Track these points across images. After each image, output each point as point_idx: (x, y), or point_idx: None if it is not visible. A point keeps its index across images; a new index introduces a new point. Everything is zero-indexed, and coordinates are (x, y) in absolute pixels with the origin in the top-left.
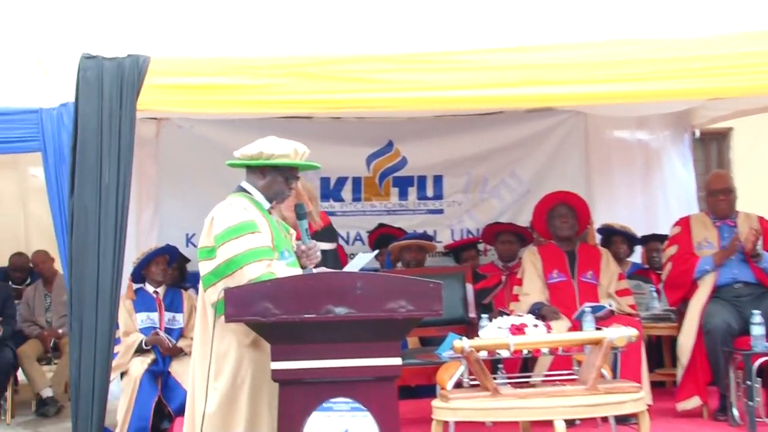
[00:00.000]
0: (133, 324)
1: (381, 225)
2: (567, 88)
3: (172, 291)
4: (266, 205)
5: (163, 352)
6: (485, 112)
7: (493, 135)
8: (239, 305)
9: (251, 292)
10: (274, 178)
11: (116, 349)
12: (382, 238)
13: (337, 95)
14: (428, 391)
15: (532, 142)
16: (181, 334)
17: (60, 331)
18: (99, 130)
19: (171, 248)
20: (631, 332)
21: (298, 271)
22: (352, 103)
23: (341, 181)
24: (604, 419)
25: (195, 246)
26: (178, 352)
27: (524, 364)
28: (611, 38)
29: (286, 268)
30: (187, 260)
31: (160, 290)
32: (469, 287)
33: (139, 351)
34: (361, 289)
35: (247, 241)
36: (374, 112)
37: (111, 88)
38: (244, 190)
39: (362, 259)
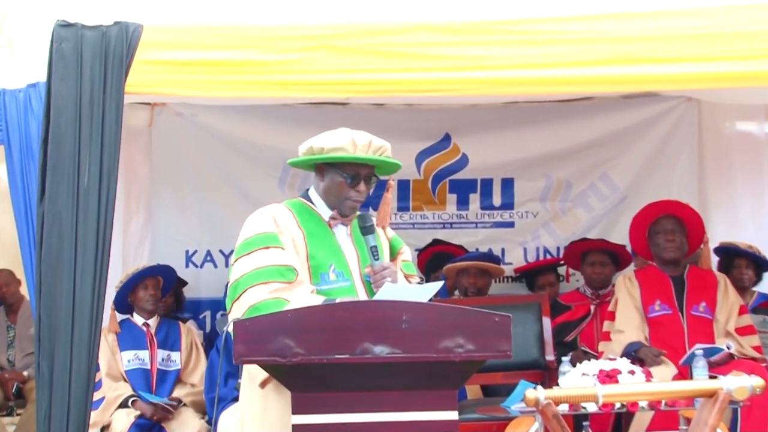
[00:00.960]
0: (117, 365)
1: (434, 242)
2: (675, 66)
3: (167, 323)
4: (326, 213)
5: (156, 420)
6: (569, 98)
7: (579, 127)
8: (252, 342)
9: (267, 326)
10: (333, 179)
11: (96, 396)
12: (435, 258)
13: (379, 75)
14: None
15: (629, 136)
16: (177, 378)
17: (25, 373)
18: (77, 117)
19: (165, 269)
20: (756, 382)
21: (320, 300)
22: (398, 85)
23: (383, 185)
24: None
25: (196, 266)
26: (169, 414)
27: (617, 421)
28: (734, 1)
29: (308, 295)
30: (185, 284)
31: (152, 322)
32: (547, 322)
33: (125, 405)
34: (408, 323)
35: (256, 258)
36: (427, 96)
37: (92, 65)
38: (307, 195)
39: (426, 291)
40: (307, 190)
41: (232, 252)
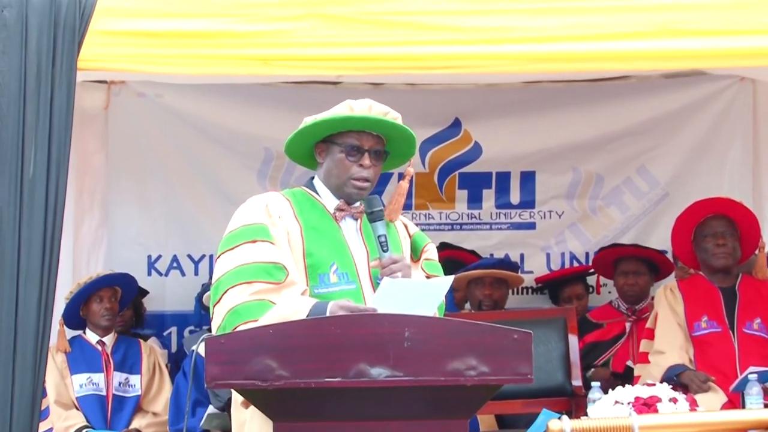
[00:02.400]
0: (67, 391)
1: (442, 246)
2: (727, 40)
3: (126, 341)
4: (332, 204)
5: None
6: (601, 77)
7: (613, 112)
8: (227, 362)
9: (245, 344)
10: (332, 158)
11: (42, 427)
12: (444, 263)
13: (377, 48)
14: None
15: (671, 122)
16: (137, 405)
17: None
18: (21, 98)
19: (124, 277)
20: None
21: (311, 304)
22: (399, 61)
23: (382, 180)
24: None
25: (160, 274)
26: None
27: None
28: None
29: (298, 298)
30: (146, 294)
31: (108, 340)
32: (574, 341)
33: None
34: (411, 340)
35: (241, 254)
36: (433, 74)
37: (39, 36)
38: (311, 184)
39: (436, 288)
40: (311, 178)
41: (202, 258)
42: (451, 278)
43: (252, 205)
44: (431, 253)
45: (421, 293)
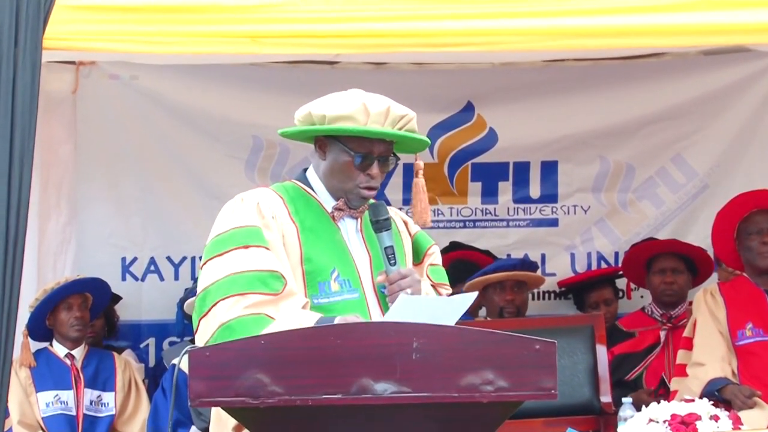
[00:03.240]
0: (32, 410)
1: (452, 246)
2: None
3: (98, 355)
4: (329, 202)
5: None
6: (631, 55)
7: (645, 94)
8: (213, 377)
9: (234, 356)
10: (337, 159)
11: None
12: (455, 266)
13: (380, 24)
14: None
15: (711, 105)
16: (111, 426)
17: None
18: None
19: (95, 283)
20: None
21: (315, 318)
22: (404, 38)
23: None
24: None
25: (136, 279)
26: None
27: None
28: None
29: (299, 312)
30: (119, 300)
31: (77, 353)
32: (602, 352)
33: None
34: (420, 352)
35: (232, 261)
36: (442, 53)
37: (0, 11)
38: (305, 178)
39: (456, 305)
40: (304, 170)
41: (183, 260)
42: (473, 296)
43: (241, 204)
44: (436, 257)
45: (438, 311)
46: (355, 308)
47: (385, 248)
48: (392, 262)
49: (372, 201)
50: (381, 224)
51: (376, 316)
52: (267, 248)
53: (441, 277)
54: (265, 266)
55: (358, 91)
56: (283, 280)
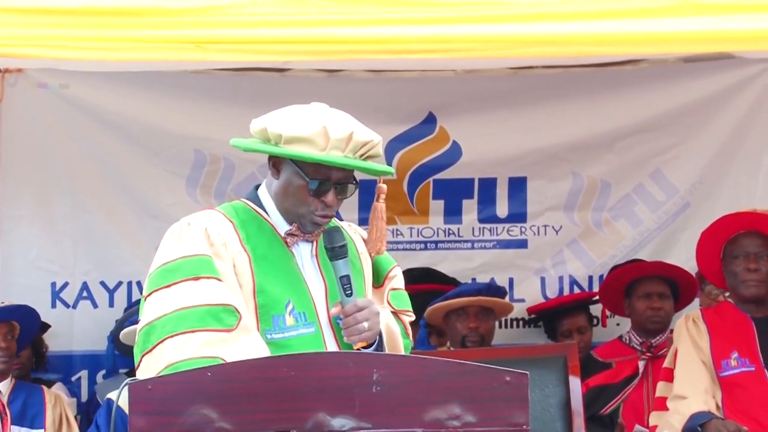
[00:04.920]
0: None
1: (421, 274)
2: (758, 19)
3: (25, 388)
4: (283, 227)
5: None
6: (605, 62)
7: (621, 104)
8: (155, 413)
9: (178, 390)
10: (291, 181)
11: None
12: (417, 293)
13: (333, 29)
14: None
15: (693, 117)
16: None
17: None
18: None
19: (22, 310)
20: None
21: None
22: (361, 44)
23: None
24: None
25: (67, 305)
26: None
27: None
28: None
29: (256, 352)
30: (47, 329)
31: (3, 387)
32: (576, 384)
33: None
34: (381, 385)
35: (181, 294)
36: (402, 60)
37: None
38: (256, 197)
39: None
40: (256, 188)
41: (118, 286)
42: None
43: (188, 230)
44: (398, 280)
45: None
46: (311, 344)
47: (341, 278)
48: (348, 292)
49: (331, 227)
50: (336, 252)
51: (333, 351)
52: (219, 279)
53: (403, 302)
54: (217, 299)
55: (321, 108)
56: (238, 315)
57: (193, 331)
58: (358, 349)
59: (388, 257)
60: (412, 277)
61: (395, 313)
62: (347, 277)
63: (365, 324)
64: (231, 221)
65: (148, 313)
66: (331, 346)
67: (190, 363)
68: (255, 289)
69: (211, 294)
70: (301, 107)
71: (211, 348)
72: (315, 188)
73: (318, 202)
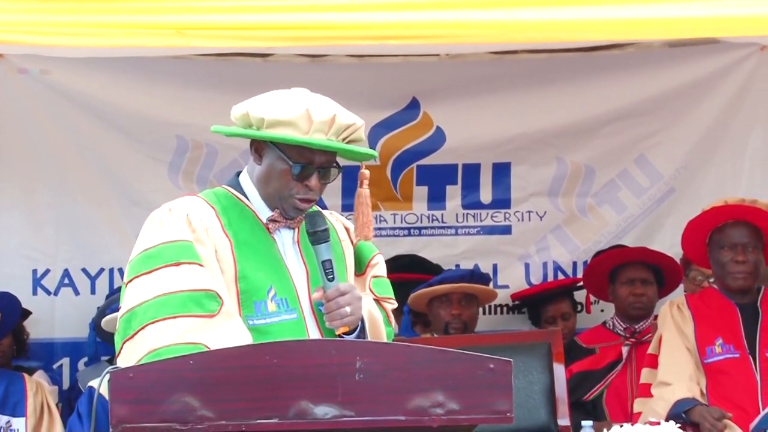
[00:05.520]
0: None
1: (399, 257)
2: (744, 6)
3: (6, 376)
4: (265, 213)
5: None
6: (590, 47)
7: (606, 89)
8: (137, 401)
9: (160, 378)
10: (273, 166)
11: None
12: (404, 281)
13: (316, 15)
14: None
15: (678, 102)
16: None
17: None
18: None
19: (3, 297)
20: None
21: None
22: (344, 30)
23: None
24: None
25: (49, 293)
26: None
27: None
28: None
29: (239, 338)
30: (28, 315)
31: None
32: (560, 371)
33: None
34: (364, 372)
35: (162, 280)
36: (385, 45)
37: None
38: (238, 183)
39: None
40: (238, 174)
41: (100, 273)
42: None
43: (170, 215)
44: (380, 268)
45: None
46: (293, 330)
47: (323, 262)
48: (330, 277)
49: (313, 212)
50: (318, 236)
51: (315, 337)
52: (200, 265)
53: (385, 290)
54: (198, 285)
55: (303, 92)
56: (219, 300)
57: (174, 317)
58: (339, 335)
59: (370, 245)
60: (400, 265)
61: (377, 301)
62: (329, 261)
63: (347, 309)
64: (213, 207)
65: (129, 299)
66: (313, 333)
67: (172, 349)
68: (237, 275)
69: (192, 279)
70: (282, 92)
71: (193, 334)
72: (298, 172)
73: (301, 186)
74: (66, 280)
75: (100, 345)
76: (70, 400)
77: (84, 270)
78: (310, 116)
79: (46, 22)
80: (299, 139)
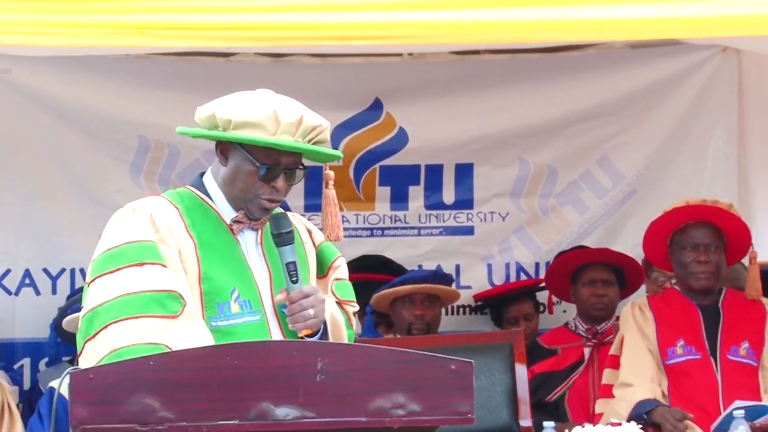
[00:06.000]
0: None
1: (365, 257)
2: (706, 6)
3: None
4: (229, 214)
5: None
6: (552, 47)
7: (568, 90)
8: (97, 402)
9: (120, 379)
10: (239, 167)
11: None
12: (370, 281)
13: (279, 15)
14: None
15: (640, 104)
16: None
17: None
18: None
19: None
20: None
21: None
22: (306, 30)
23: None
24: None
25: (9, 293)
26: None
27: None
28: None
29: (201, 340)
30: None
31: None
32: (522, 371)
33: None
34: (326, 373)
35: (124, 280)
36: (348, 46)
37: None
38: (201, 184)
39: None
40: (201, 175)
41: (62, 273)
42: None
43: (133, 215)
44: (342, 270)
45: None
46: (256, 332)
47: (287, 264)
48: (294, 279)
49: (278, 213)
50: (283, 238)
51: (278, 339)
52: (163, 265)
53: (347, 293)
54: (161, 285)
55: (268, 94)
56: (182, 301)
57: (137, 317)
58: (302, 337)
59: (332, 247)
60: (367, 265)
61: (339, 303)
62: (293, 263)
63: (311, 311)
64: (176, 207)
65: (91, 299)
66: (276, 335)
67: (133, 349)
68: (200, 276)
69: (155, 280)
70: (247, 93)
71: (155, 334)
72: (264, 173)
73: (267, 187)
74: (27, 280)
75: (61, 345)
76: (30, 401)
77: (45, 270)
78: (277, 118)
79: (7, 21)
80: (267, 140)
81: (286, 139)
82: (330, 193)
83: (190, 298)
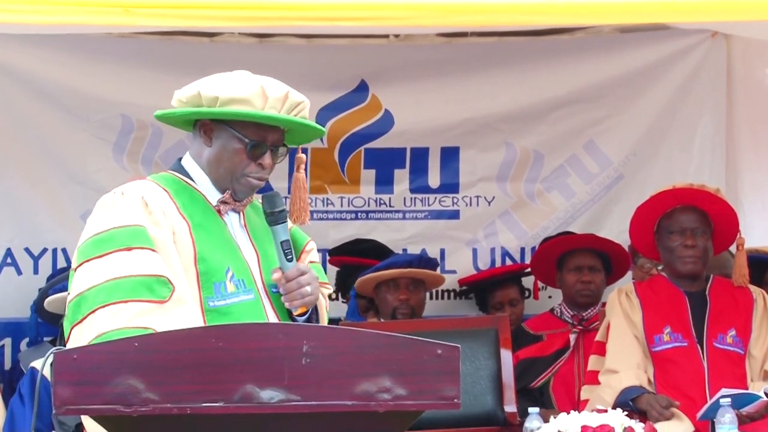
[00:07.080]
0: None
1: (358, 241)
2: None
3: None
4: (214, 195)
5: None
6: (540, 30)
7: (555, 74)
8: (80, 383)
9: (104, 360)
10: (226, 146)
11: None
12: (347, 264)
13: None
14: None
15: (627, 88)
16: None
17: None
18: None
19: None
20: None
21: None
22: (292, 10)
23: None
24: None
25: None
26: None
27: None
28: None
29: (190, 324)
30: None
31: None
32: (507, 357)
33: None
34: (311, 356)
35: (113, 264)
36: (333, 27)
37: None
38: (182, 168)
39: None
40: (179, 160)
41: (43, 252)
42: None
43: (122, 199)
44: (314, 254)
45: None
46: (252, 310)
47: (281, 242)
48: (289, 257)
49: (271, 192)
50: (276, 216)
51: (273, 318)
52: (152, 250)
53: (321, 275)
54: (150, 270)
55: (247, 73)
56: (171, 286)
57: (125, 302)
58: (299, 314)
59: (301, 232)
60: (360, 250)
61: None
62: (287, 242)
63: (308, 288)
64: (165, 190)
65: (78, 284)
66: (270, 313)
67: (121, 333)
68: (196, 257)
69: (144, 265)
70: (227, 74)
71: (143, 318)
72: (251, 149)
73: (255, 165)
74: (8, 260)
75: (42, 326)
76: (11, 381)
77: (27, 250)
78: (264, 93)
79: None
80: (259, 113)
81: (274, 113)
82: (300, 176)
83: (183, 282)
